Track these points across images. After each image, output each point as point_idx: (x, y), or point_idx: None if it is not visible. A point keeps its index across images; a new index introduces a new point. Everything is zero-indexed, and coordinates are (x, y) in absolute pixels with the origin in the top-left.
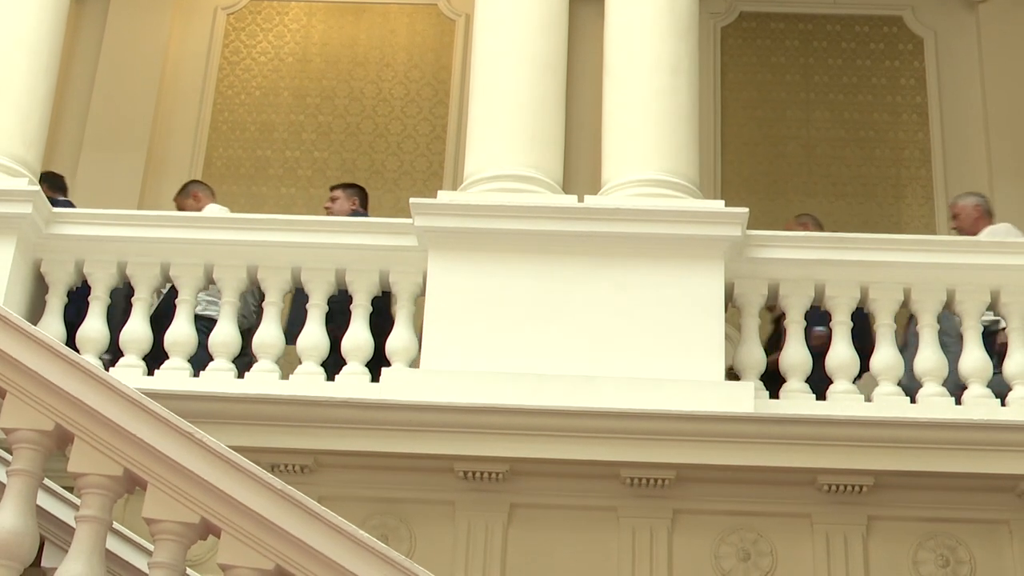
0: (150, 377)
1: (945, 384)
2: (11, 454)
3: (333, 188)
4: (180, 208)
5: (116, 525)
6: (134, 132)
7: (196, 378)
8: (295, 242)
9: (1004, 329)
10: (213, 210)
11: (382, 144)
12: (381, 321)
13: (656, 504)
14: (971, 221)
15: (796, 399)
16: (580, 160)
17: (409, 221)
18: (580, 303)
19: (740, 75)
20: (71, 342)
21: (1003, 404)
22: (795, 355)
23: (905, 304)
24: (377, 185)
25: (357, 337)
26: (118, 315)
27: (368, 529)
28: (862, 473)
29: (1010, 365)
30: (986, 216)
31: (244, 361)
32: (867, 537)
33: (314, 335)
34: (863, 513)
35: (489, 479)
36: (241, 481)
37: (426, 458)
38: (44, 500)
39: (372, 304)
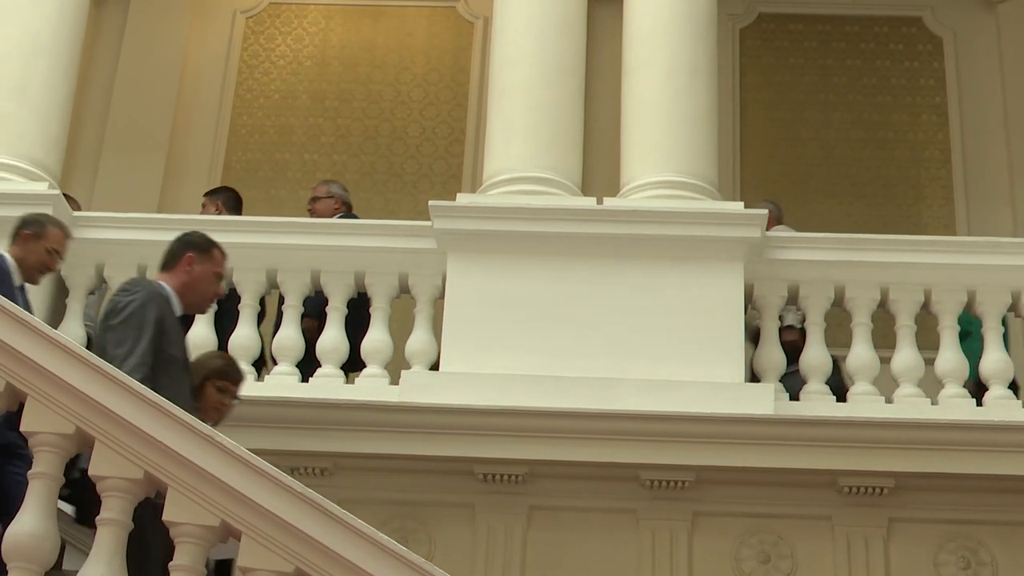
0: None
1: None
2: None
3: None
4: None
5: None
6: (153, 135)
7: None
8: (314, 245)
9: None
10: None
11: (400, 147)
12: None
13: (676, 506)
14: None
15: (816, 401)
16: (599, 162)
17: (428, 224)
18: (599, 305)
19: (759, 76)
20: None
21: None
22: (815, 357)
23: (926, 305)
24: (396, 188)
25: (376, 340)
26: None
27: (387, 532)
28: (882, 475)
29: None
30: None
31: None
32: (888, 539)
33: (334, 338)
34: (884, 515)
35: (508, 481)
36: (261, 484)
37: (445, 460)
38: (65, 504)
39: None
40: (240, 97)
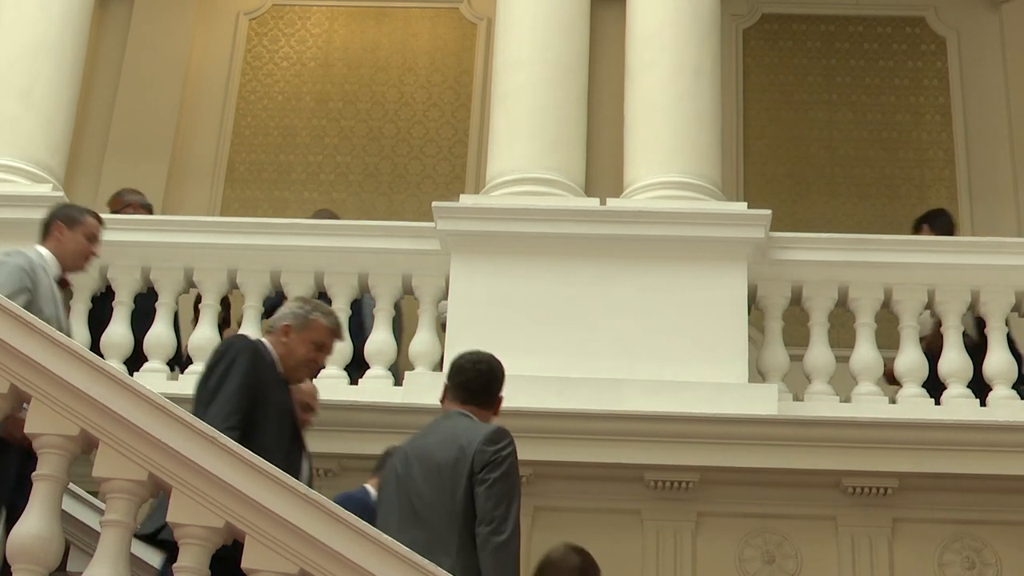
0: (174, 382)
1: None
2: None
3: None
4: None
5: None
6: (157, 137)
7: None
8: (318, 246)
9: None
10: None
11: (404, 148)
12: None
13: (680, 507)
14: None
15: (820, 401)
16: (602, 163)
17: (432, 225)
18: (603, 306)
19: (762, 77)
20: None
21: None
22: (819, 357)
23: (930, 305)
24: (400, 189)
25: (380, 341)
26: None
27: None
28: (887, 475)
29: None
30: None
31: None
32: (892, 539)
33: None
34: (888, 515)
35: None
36: (265, 485)
37: None
38: (69, 504)
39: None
40: (244, 99)
